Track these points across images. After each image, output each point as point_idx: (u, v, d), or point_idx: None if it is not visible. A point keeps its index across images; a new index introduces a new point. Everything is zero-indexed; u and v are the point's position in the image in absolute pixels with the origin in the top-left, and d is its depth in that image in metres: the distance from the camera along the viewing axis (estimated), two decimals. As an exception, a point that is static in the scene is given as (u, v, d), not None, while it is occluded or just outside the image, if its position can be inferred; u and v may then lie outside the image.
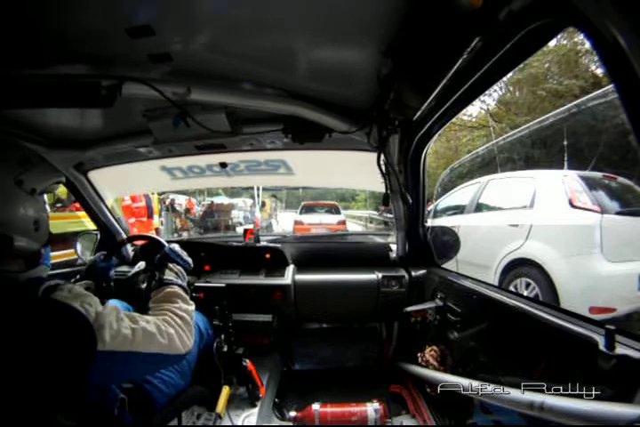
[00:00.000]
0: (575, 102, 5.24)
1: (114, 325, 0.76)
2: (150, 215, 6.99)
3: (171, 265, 1.19)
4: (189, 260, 1.29)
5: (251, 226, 9.24)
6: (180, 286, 1.10)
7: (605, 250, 2.88)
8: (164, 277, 1.12)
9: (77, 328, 0.70)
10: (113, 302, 1.34)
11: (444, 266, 1.82)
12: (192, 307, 1.04)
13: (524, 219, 3.50)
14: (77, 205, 3.50)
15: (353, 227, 13.78)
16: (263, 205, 11.40)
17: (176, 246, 1.29)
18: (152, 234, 1.43)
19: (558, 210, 3.22)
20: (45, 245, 0.84)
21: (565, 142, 5.14)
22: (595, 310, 2.73)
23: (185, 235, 9.30)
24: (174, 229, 10.16)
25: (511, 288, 3.36)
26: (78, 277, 1.36)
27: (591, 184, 3.30)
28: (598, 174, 3.66)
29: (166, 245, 1.31)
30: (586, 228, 2.99)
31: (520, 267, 3.40)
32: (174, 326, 0.91)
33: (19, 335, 0.65)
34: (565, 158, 5.13)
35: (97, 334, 0.72)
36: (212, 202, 12.59)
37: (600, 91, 4.75)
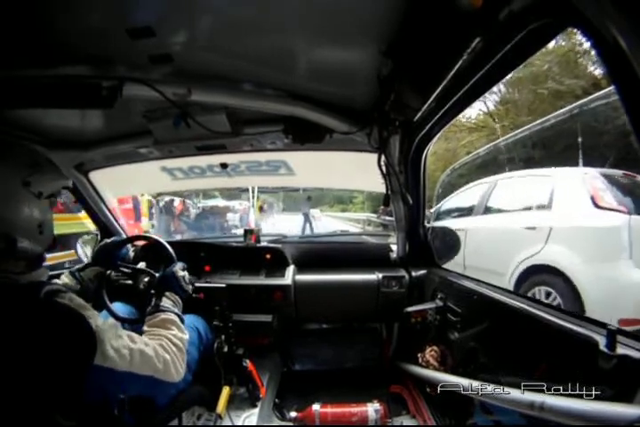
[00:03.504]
0: (575, 104, 5.23)
1: (113, 342, 0.76)
2: (137, 218, 6.80)
3: (168, 294, 1.16)
4: (189, 288, 1.25)
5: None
6: (176, 314, 1.08)
7: (635, 255, 2.57)
8: (161, 303, 1.10)
9: (80, 331, 0.70)
10: (117, 307, 1.33)
11: (448, 268, 1.81)
12: (186, 336, 1.03)
13: (542, 221, 3.16)
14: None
15: (351, 230, 13.75)
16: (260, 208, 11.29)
17: (179, 269, 1.25)
18: (165, 244, 1.39)
19: (581, 211, 2.91)
20: (49, 249, 0.83)
21: (580, 139, 4.90)
22: (624, 323, 2.38)
23: (179, 238, 9.20)
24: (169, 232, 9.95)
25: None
26: (90, 261, 1.34)
27: (613, 182, 3.00)
28: (618, 172, 3.35)
29: (175, 262, 1.28)
30: (613, 230, 2.67)
31: (539, 274, 3.06)
32: (170, 353, 0.90)
33: (21, 335, 0.65)
34: (580, 156, 4.82)
35: (97, 346, 0.71)
36: (197, 204, 12.19)
37: (602, 92, 4.73)
